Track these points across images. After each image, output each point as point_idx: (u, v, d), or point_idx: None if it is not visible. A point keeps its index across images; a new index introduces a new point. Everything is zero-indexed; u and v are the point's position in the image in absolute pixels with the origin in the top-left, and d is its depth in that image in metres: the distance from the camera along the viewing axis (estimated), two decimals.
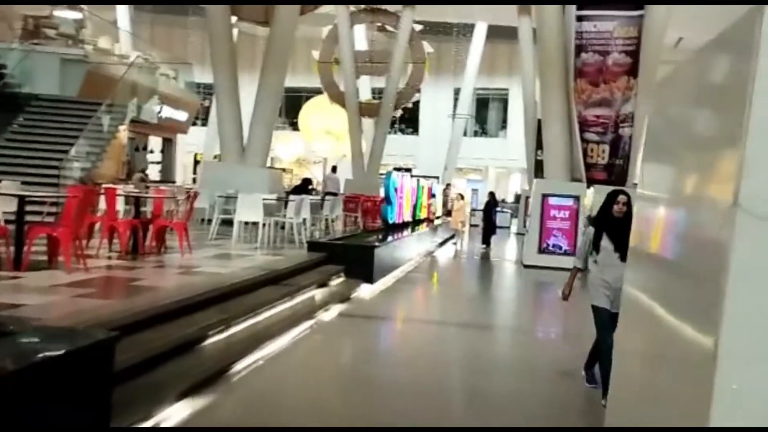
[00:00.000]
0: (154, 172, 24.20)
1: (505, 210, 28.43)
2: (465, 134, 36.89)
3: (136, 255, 7.78)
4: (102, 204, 8.80)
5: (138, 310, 4.83)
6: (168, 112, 20.48)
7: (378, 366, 5.61)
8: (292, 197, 11.58)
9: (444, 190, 25.43)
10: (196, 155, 36.33)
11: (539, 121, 23.94)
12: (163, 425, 3.76)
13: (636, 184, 12.35)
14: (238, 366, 4.98)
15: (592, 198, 13.18)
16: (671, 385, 2.16)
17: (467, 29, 33.92)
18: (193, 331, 5.05)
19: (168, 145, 24.03)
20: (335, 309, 7.59)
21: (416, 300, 9.67)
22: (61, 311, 4.66)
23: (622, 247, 4.24)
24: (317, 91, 28.96)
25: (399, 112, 27.55)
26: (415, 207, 15.82)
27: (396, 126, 38.46)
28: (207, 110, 31.67)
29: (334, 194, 17.04)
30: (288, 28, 15.61)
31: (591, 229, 4.91)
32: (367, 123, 27.09)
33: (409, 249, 12.68)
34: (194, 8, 28.61)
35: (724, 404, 1.67)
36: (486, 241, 17.27)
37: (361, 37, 27.69)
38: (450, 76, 38.27)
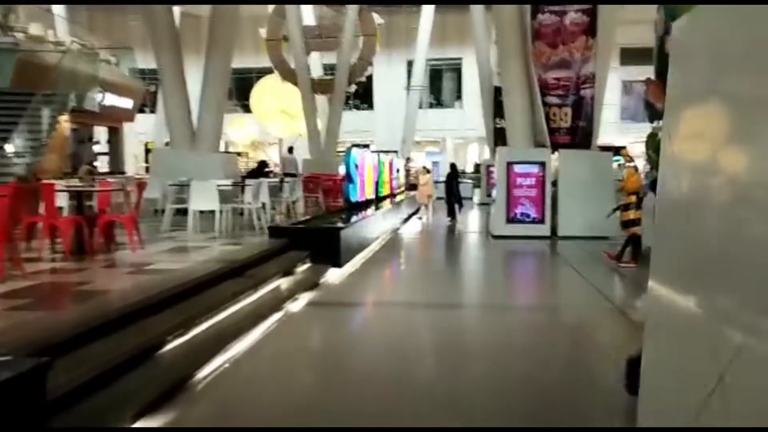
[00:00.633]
0: (103, 164, 23.22)
1: (465, 181, 28.18)
2: (420, 106, 36.45)
3: (82, 255, 7.14)
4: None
5: (82, 321, 4.28)
6: (111, 99, 19.50)
7: (356, 359, 5.16)
8: (248, 182, 11.00)
9: (405, 164, 25.03)
10: (147, 144, 35.16)
11: (496, 88, 23.83)
12: None
13: (602, 148, 12.02)
14: (202, 372, 4.48)
15: (557, 163, 12.93)
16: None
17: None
18: (147, 338, 4.52)
19: (114, 135, 23.00)
20: (304, 298, 7.11)
21: (388, 281, 9.23)
22: None
23: None
24: (268, 71, 28.12)
25: (353, 87, 26.89)
26: (377, 184, 15.35)
27: (350, 102, 37.83)
28: (154, 96, 30.49)
29: (294, 175, 16.49)
30: (231, 6, 14.84)
31: None
32: (322, 100, 26.42)
33: (375, 227, 12.23)
34: None
35: None
36: (451, 213, 16.94)
37: (308, 12, 26.83)
38: (402, 49, 37.72)
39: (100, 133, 22.93)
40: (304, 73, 24.43)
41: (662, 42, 9.71)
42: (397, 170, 22.28)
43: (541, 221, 12.77)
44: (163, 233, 9.54)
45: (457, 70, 39.78)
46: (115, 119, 21.58)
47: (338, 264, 8.70)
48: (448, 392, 4.33)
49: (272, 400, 4.23)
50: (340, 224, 9.98)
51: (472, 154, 41.41)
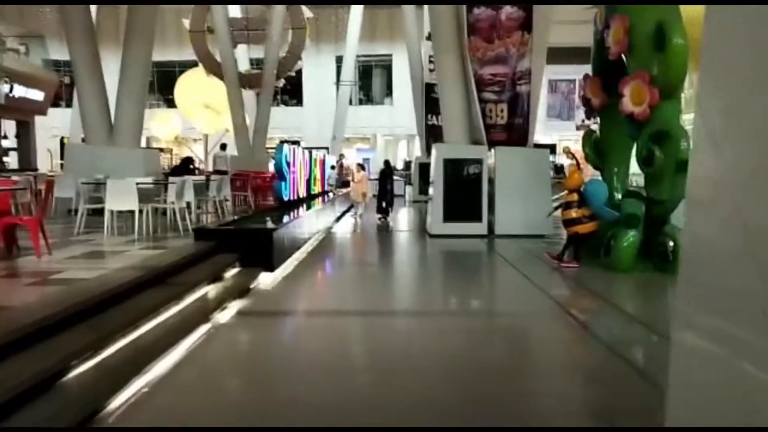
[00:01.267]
0: (13, 160, 21.66)
1: (397, 178, 27.87)
2: (351, 103, 36.02)
3: None
4: None
5: None
6: (20, 91, 18.12)
7: (291, 378, 4.61)
8: (172, 179, 10.23)
9: (338, 160, 24.50)
10: (63, 139, 33.30)
11: (427, 85, 23.62)
12: None
13: (538, 145, 11.80)
14: (115, 402, 3.85)
15: (494, 160, 12.68)
16: None
17: None
18: (49, 363, 3.85)
19: (24, 129, 21.45)
20: (233, 306, 6.50)
21: (323, 286, 8.66)
22: None
23: None
24: (193, 64, 27.03)
25: (282, 82, 26.15)
26: (309, 181, 14.76)
27: (279, 98, 37.03)
28: (71, 89, 28.79)
29: (226, 173, 15.77)
30: None
31: None
32: (249, 95, 25.56)
33: (308, 227, 11.65)
34: None
35: None
36: (382, 210, 16.55)
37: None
38: (331, 45, 37.24)
39: (9, 127, 21.35)
40: (231, 67, 23.50)
41: (602, 37, 9.56)
42: (332, 167, 21.77)
43: (480, 220, 12.50)
44: (75, 236, 8.69)
45: (387, 67, 39.52)
46: (24, 112, 20.12)
47: (270, 267, 8.10)
48: (391, 408, 3.87)
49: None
50: (271, 224, 9.37)
51: (402, 152, 41.27)
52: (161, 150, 28.33)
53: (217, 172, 17.29)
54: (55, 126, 31.75)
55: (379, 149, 39.31)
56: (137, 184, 8.87)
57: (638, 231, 8.37)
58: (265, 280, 7.86)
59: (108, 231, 8.75)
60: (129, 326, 4.84)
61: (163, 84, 36.57)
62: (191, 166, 15.01)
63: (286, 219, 10.43)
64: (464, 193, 12.62)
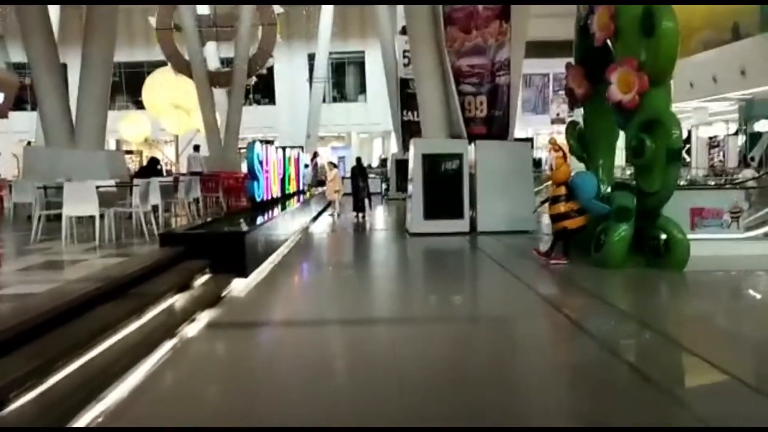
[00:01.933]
0: None
1: (373, 176, 27.40)
2: (324, 101, 35.49)
3: None
4: None
5: None
6: None
7: (270, 400, 4.11)
8: (136, 181, 9.62)
9: (312, 159, 23.95)
10: (29, 143, 32.24)
11: (402, 80, 23.16)
12: None
13: (523, 139, 11.43)
14: None
15: (474, 155, 12.26)
16: None
17: None
18: None
19: None
20: (203, 318, 5.96)
21: (302, 292, 8.13)
22: None
23: None
24: (162, 64, 26.26)
25: (253, 80, 25.52)
26: (283, 180, 14.21)
27: (251, 96, 36.39)
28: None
29: (201, 174, 15.23)
30: None
31: None
32: (220, 94, 24.90)
33: (283, 228, 11.12)
34: None
35: None
36: (358, 208, 16.12)
37: None
38: (303, 42, 36.67)
39: None
40: (200, 65, 22.84)
41: (585, 23, 9.17)
42: (306, 165, 21.23)
43: (462, 216, 12.06)
44: (31, 245, 8.08)
45: (360, 63, 39.00)
46: None
47: (243, 273, 7.56)
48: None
49: None
50: (244, 227, 8.84)
51: (378, 149, 40.83)
52: (130, 152, 27.50)
53: (192, 173, 16.76)
54: (21, 130, 30.73)
55: (354, 147, 38.79)
56: (98, 187, 8.27)
57: (630, 225, 7.99)
58: (238, 286, 7.33)
59: (66, 238, 8.14)
60: (81, 347, 4.30)
61: (131, 85, 35.70)
62: (158, 167, 14.38)
63: (259, 220, 9.90)
64: (444, 189, 12.18)
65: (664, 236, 7.95)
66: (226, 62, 27.39)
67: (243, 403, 4.01)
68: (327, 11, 32.54)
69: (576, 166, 9.61)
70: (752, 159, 22.71)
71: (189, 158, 21.34)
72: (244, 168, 15.96)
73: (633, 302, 7.03)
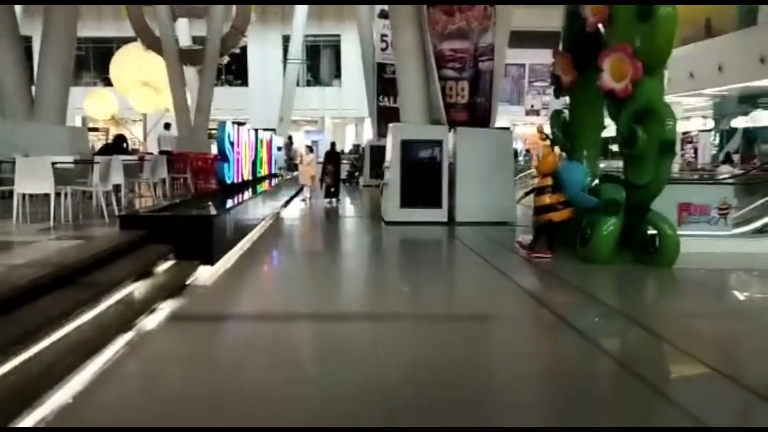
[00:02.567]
0: None
1: (345, 161, 26.83)
2: (298, 84, 34.72)
3: None
4: None
5: None
6: None
7: (237, 409, 3.64)
8: (97, 159, 9.00)
9: (286, 143, 23.31)
10: None
11: (379, 65, 22.62)
12: None
13: (503, 127, 11.01)
14: None
15: (454, 142, 11.85)
16: None
17: None
18: None
19: None
20: (164, 308, 5.45)
21: (272, 281, 7.62)
22: None
23: None
24: (132, 40, 25.22)
25: (225, 59, 24.70)
26: (254, 163, 13.64)
27: (223, 78, 35.52)
28: None
29: (171, 153, 14.58)
30: None
31: None
32: (192, 73, 24.08)
33: (254, 212, 10.60)
34: None
35: None
36: (330, 194, 15.67)
37: None
38: (278, 24, 35.81)
39: None
40: (171, 41, 21.98)
41: (576, 8, 8.77)
42: (278, 148, 20.66)
43: (439, 206, 11.65)
44: None
45: (335, 47, 38.25)
46: None
47: (210, 260, 7.04)
48: None
49: None
50: (212, 210, 8.31)
51: (351, 135, 40.24)
52: (95, 130, 26.48)
53: (162, 152, 16.13)
54: None
55: (327, 132, 38.12)
56: (54, 163, 7.65)
57: (618, 219, 7.66)
58: (204, 274, 6.81)
59: (17, 218, 7.52)
60: (21, 343, 3.78)
61: (99, 61, 34.55)
62: (125, 145, 13.70)
63: (229, 204, 9.37)
64: (422, 177, 11.75)
65: (652, 232, 7.65)
66: (198, 41, 26.50)
67: (207, 408, 3.54)
68: None
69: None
70: (733, 153, 22.71)
71: (159, 137, 20.62)
72: (214, 149, 15.37)
73: (622, 299, 6.71)
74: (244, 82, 37.62)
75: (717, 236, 8.65)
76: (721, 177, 14.73)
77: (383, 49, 21.28)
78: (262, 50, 36.24)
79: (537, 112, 39.28)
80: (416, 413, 3.50)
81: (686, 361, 4.53)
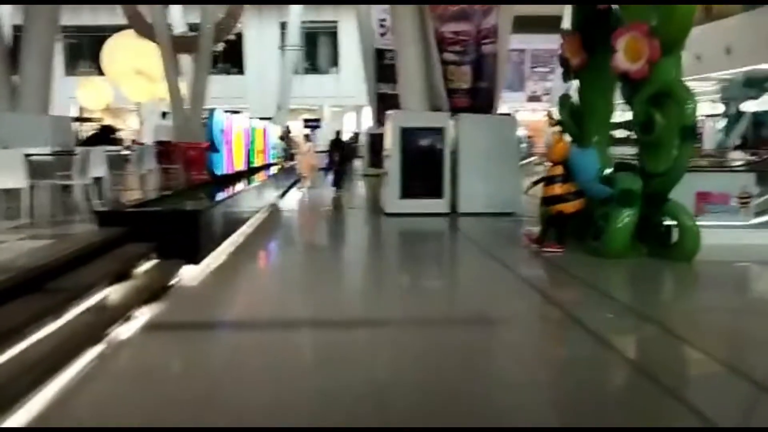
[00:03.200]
0: None
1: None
2: (296, 72, 34.11)
3: None
4: None
5: None
6: None
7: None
8: (77, 150, 8.48)
9: (285, 132, 22.74)
10: None
11: (378, 51, 22.04)
12: None
13: (504, 114, 10.43)
14: None
15: (456, 129, 11.32)
16: None
17: None
18: None
19: None
20: (142, 315, 4.96)
21: (263, 282, 6.97)
22: None
23: None
24: (127, 28, 24.59)
25: (221, 46, 24.09)
26: (249, 153, 13.13)
27: (220, 66, 34.92)
28: None
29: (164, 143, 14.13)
30: None
31: None
32: (188, 62, 23.47)
33: (246, 205, 10.09)
34: None
35: None
36: (337, 184, 15.24)
37: None
38: (274, 10, 35.13)
39: None
40: (164, 28, 21.35)
41: None
42: (282, 138, 20.14)
43: (440, 196, 11.14)
44: None
45: (333, 34, 37.57)
46: None
47: (195, 259, 6.54)
48: None
49: None
50: (198, 204, 7.80)
51: (350, 123, 39.62)
52: (88, 120, 25.84)
53: (158, 143, 15.64)
54: None
55: (325, 120, 37.51)
56: (29, 155, 7.13)
57: (635, 210, 7.14)
58: (189, 275, 6.31)
59: None
60: None
61: (94, 51, 33.90)
62: (112, 136, 13.15)
63: (219, 197, 8.86)
64: (423, 166, 11.24)
65: (671, 223, 7.15)
66: (193, 28, 25.87)
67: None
68: None
69: None
70: (740, 138, 22.14)
71: (156, 127, 20.13)
72: None
73: (642, 297, 6.17)
74: (241, 71, 37.01)
75: (738, 227, 8.14)
76: (734, 164, 14.18)
77: (382, 35, 20.74)
78: (259, 38, 35.63)
79: (538, 99, 38.67)
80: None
81: (712, 366, 4.06)
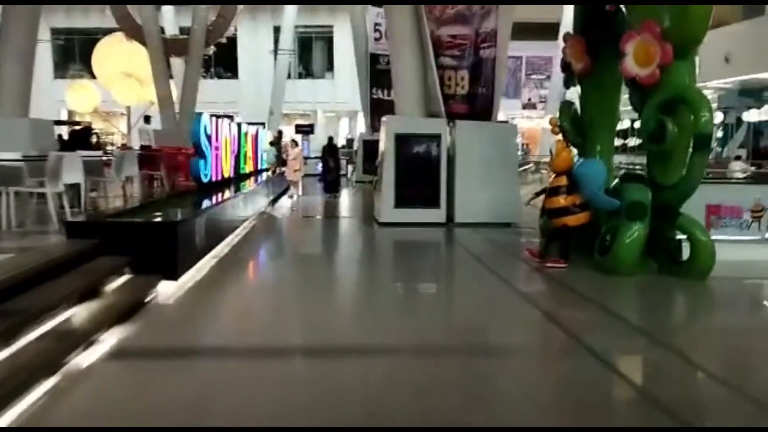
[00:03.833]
0: None
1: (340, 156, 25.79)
2: (289, 76, 33.67)
3: None
4: None
5: None
6: None
7: None
8: (51, 154, 7.95)
9: (276, 137, 22.22)
10: None
11: (372, 55, 21.62)
12: None
13: (503, 121, 9.95)
14: None
15: (453, 136, 10.88)
16: None
17: None
18: None
19: None
20: (108, 339, 4.46)
21: (246, 302, 6.23)
22: None
23: None
24: (117, 30, 24.12)
25: (212, 49, 23.64)
26: (237, 159, 12.64)
27: (213, 69, 34.47)
28: None
29: (150, 148, 13.63)
30: None
31: None
32: (180, 66, 22.99)
33: (232, 214, 9.60)
34: None
35: None
36: (330, 190, 14.79)
37: None
38: (268, 14, 34.73)
39: None
40: (154, 31, 20.90)
41: None
42: (273, 144, 19.68)
43: (437, 205, 10.69)
44: None
45: (328, 39, 37.15)
46: None
47: (174, 275, 6.04)
48: None
49: None
50: (178, 214, 7.31)
51: (344, 129, 39.18)
52: (75, 123, 25.23)
53: (143, 147, 15.17)
54: None
55: (320, 126, 37.05)
56: None
57: (644, 224, 6.70)
58: (166, 291, 5.82)
59: None
60: None
61: (85, 53, 33.36)
62: (91, 139, 12.64)
63: (203, 205, 8.38)
64: (419, 174, 10.82)
65: (682, 238, 6.72)
66: (185, 31, 25.41)
67: None
68: None
69: None
70: (738, 148, 21.80)
71: (140, 131, 19.64)
72: None
73: (655, 318, 5.68)
74: (234, 75, 36.53)
75: (751, 242, 7.71)
76: (735, 175, 13.79)
77: (377, 39, 20.32)
78: (252, 42, 35.20)
79: (534, 106, 38.32)
80: None
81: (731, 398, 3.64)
